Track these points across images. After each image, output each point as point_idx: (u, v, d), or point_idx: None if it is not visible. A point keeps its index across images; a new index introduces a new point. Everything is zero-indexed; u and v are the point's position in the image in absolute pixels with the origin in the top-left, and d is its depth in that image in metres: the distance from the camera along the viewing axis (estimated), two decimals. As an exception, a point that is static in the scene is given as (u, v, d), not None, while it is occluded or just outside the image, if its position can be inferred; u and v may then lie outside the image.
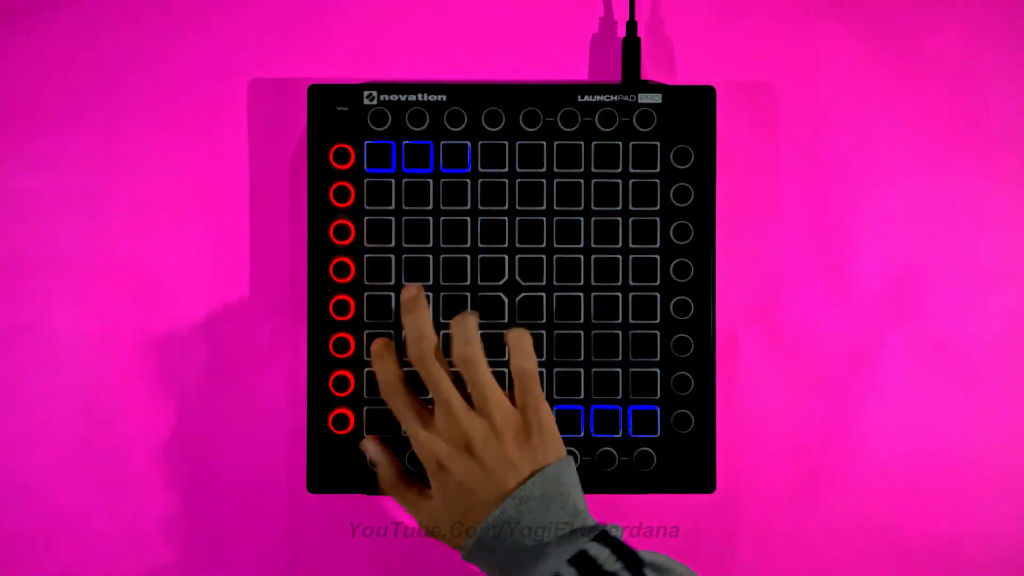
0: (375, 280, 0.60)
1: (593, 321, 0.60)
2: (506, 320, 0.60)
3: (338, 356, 0.60)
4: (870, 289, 0.64)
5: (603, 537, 0.50)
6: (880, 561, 0.64)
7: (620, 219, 0.60)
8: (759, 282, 0.64)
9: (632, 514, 0.63)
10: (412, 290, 0.55)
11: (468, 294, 0.60)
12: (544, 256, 0.60)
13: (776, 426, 0.64)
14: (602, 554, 0.49)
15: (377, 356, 0.55)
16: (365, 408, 0.60)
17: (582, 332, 0.60)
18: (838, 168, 0.64)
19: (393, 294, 0.60)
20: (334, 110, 0.60)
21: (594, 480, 0.60)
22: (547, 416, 0.53)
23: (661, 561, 0.50)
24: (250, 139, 0.63)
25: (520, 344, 0.54)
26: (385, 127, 0.60)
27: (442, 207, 0.60)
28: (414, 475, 0.57)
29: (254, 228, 0.63)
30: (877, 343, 0.64)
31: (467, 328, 0.53)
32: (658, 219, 0.60)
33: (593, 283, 0.60)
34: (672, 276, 0.60)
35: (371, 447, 0.58)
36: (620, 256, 0.60)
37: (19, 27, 0.63)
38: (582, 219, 0.60)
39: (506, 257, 0.60)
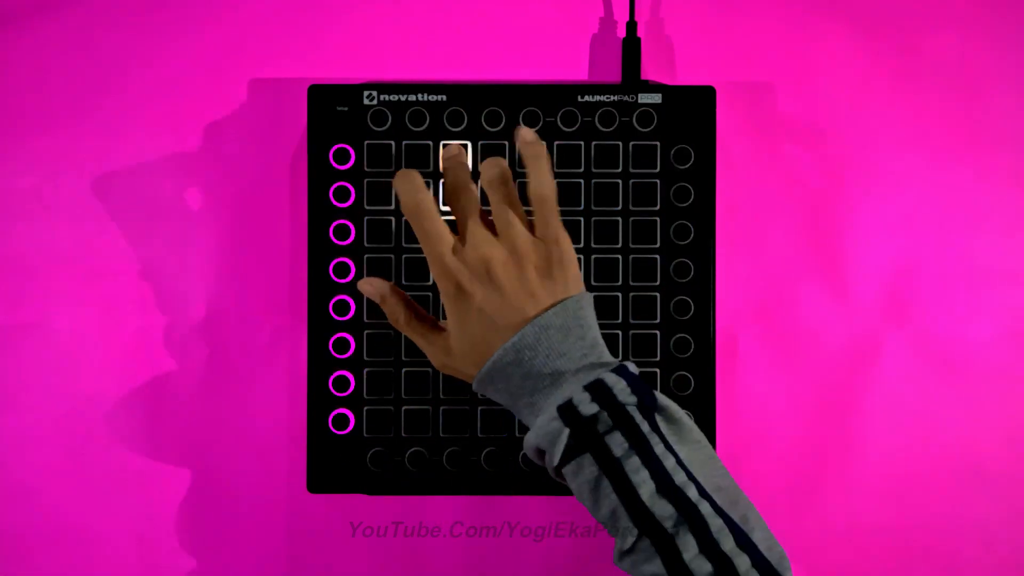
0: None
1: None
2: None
3: (338, 356, 0.60)
4: (870, 289, 0.64)
5: (621, 370, 0.49)
6: (880, 561, 0.64)
7: (620, 219, 0.60)
8: (759, 282, 0.64)
9: (632, 514, 0.63)
10: (453, 148, 0.55)
11: (468, 294, 0.60)
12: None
13: (776, 426, 0.64)
14: (618, 384, 0.48)
15: (403, 178, 0.53)
16: (365, 408, 0.60)
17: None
18: (838, 168, 0.64)
19: (393, 294, 0.60)
20: (334, 110, 0.60)
21: (594, 480, 0.60)
22: (568, 249, 0.52)
23: (674, 410, 0.50)
24: (250, 139, 0.63)
25: (536, 170, 0.53)
26: (385, 127, 0.60)
27: (442, 207, 0.60)
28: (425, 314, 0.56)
29: (254, 228, 0.63)
30: (877, 343, 0.64)
31: (497, 157, 0.53)
32: (658, 219, 0.60)
33: (593, 283, 0.60)
34: (672, 276, 0.60)
35: (371, 284, 0.56)
36: (620, 256, 0.60)
37: (19, 27, 0.63)
38: (582, 219, 0.60)
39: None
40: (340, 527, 0.63)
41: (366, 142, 0.60)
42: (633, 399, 0.48)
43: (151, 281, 0.63)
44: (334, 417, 0.60)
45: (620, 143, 0.60)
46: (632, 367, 0.50)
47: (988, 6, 0.64)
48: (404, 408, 0.60)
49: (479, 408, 0.60)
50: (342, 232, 0.60)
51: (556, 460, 0.49)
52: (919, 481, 0.64)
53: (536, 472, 0.60)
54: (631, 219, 0.60)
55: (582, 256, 0.60)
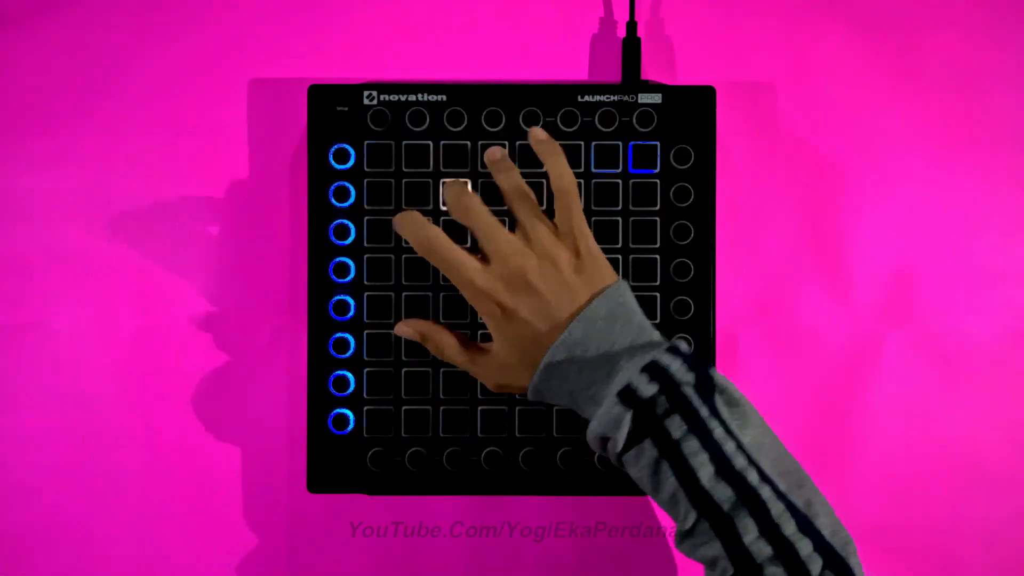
0: (375, 280, 0.60)
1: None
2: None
3: (338, 356, 0.60)
4: (870, 289, 0.64)
5: (674, 349, 0.49)
6: (879, 561, 0.64)
7: (620, 219, 0.60)
8: (759, 282, 0.64)
9: (633, 514, 0.63)
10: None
11: (468, 294, 0.60)
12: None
13: (776, 426, 0.64)
14: (674, 363, 0.48)
15: (404, 220, 0.52)
16: (365, 408, 0.60)
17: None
18: (838, 168, 0.64)
19: (393, 294, 0.60)
20: (334, 110, 0.60)
21: (595, 480, 0.60)
22: (591, 239, 0.53)
23: (732, 391, 0.49)
24: (250, 139, 0.63)
25: (557, 163, 0.53)
26: (385, 127, 0.60)
27: (442, 207, 0.60)
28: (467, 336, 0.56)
29: (254, 228, 0.63)
30: (877, 343, 0.64)
31: (504, 159, 0.53)
32: (658, 219, 0.60)
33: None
34: (672, 276, 0.60)
35: (409, 326, 0.55)
36: (620, 256, 0.60)
37: (19, 27, 0.63)
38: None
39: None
40: (340, 527, 0.63)
41: (366, 142, 0.60)
42: (691, 377, 0.48)
43: (151, 281, 0.63)
44: (334, 417, 0.60)
45: (620, 143, 0.60)
46: (684, 345, 0.50)
47: (988, 6, 0.64)
48: (404, 408, 0.60)
49: (479, 408, 0.60)
50: (342, 232, 0.60)
51: (620, 446, 0.49)
52: (919, 481, 0.64)
53: (536, 472, 0.60)
54: (631, 219, 0.60)
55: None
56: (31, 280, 0.63)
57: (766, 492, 0.47)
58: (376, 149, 0.60)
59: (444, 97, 0.60)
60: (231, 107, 0.63)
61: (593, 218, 0.60)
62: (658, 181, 0.60)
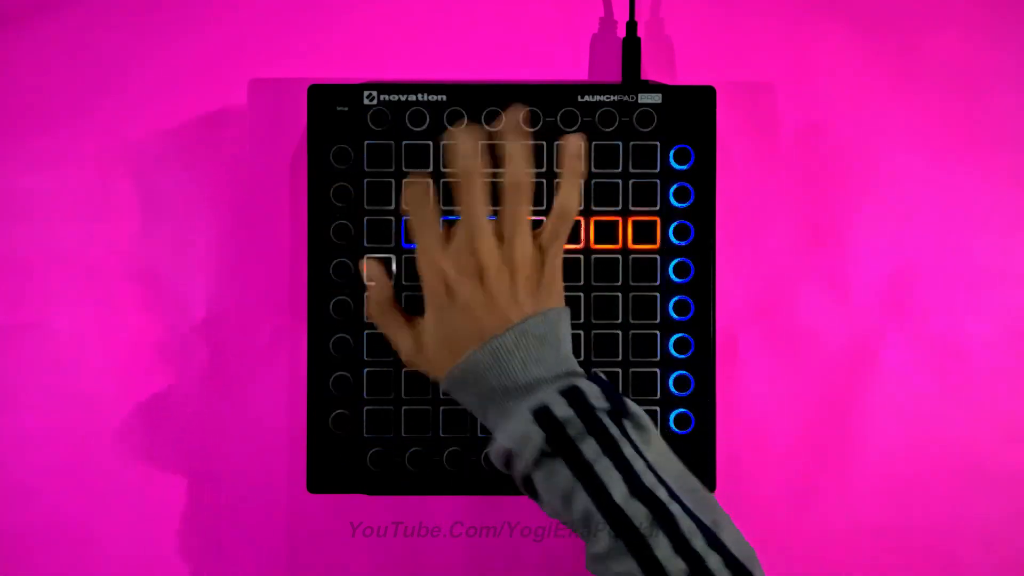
0: (375, 280, 0.60)
1: (593, 321, 0.60)
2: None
3: (338, 356, 0.60)
4: (870, 289, 0.64)
5: (595, 377, 0.51)
6: (880, 561, 0.64)
7: (620, 219, 0.60)
8: (759, 282, 0.64)
9: (632, 514, 0.63)
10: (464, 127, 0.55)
11: (468, 294, 0.60)
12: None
13: (776, 426, 0.64)
14: (592, 390, 0.50)
15: (409, 182, 0.54)
16: (365, 408, 0.60)
17: (582, 332, 0.60)
18: (838, 168, 0.64)
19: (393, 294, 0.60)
20: (334, 110, 0.60)
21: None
22: (560, 266, 0.54)
23: (640, 415, 0.51)
24: (250, 139, 0.63)
25: (572, 185, 0.54)
26: (385, 127, 0.60)
27: (442, 207, 0.60)
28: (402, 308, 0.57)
29: (254, 228, 0.63)
30: (877, 343, 0.64)
31: (523, 152, 0.53)
32: (658, 219, 0.60)
33: (593, 283, 0.60)
34: (672, 276, 0.60)
35: (374, 265, 0.57)
36: (620, 256, 0.60)
37: (20, 27, 0.63)
38: (582, 219, 0.60)
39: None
40: (340, 527, 0.63)
41: (366, 142, 0.60)
42: (606, 405, 0.49)
43: (151, 281, 0.63)
44: (334, 417, 0.60)
45: (620, 143, 0.60)
46: (603, 375, 0.52)
47: (988, 6, 0.64)
48: (404, 408, 0.60)
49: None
50: (342, 232, 0.60)
51: (528, 463, 0.49)
52: (919, 481, 0.64)
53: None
54: (631, 219, 0.60)
55: (581, 256, 0.60)
56: (31, 280, 0.63)
57: (676, 508, 0.48)
58: (376, 149, 0.60)
59: (444, 97, 0.60)
60: (231, 107, 0.63)
61: (593, 218, 0.60)
62: (658, 181, 0.60)
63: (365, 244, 0.60)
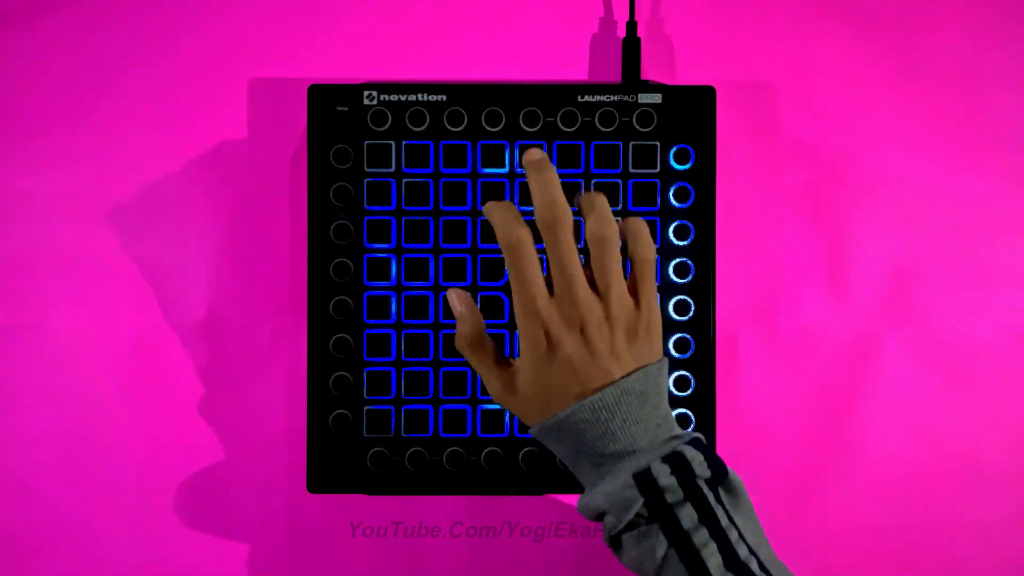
0: (375, 280, 0.60)
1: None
2: (506, 320, 0.60)
3: (338, 356, 0.60)
4: (870, 289, 0.64)
5: (697, 443, 0.50)
6: (880, 561, 0.64)
7: (620, 219, 0.60)
8: (759, 282, 0.64)
9: (632, 514, 0.63)
10: (537, 153, 0.52)
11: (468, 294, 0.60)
12: (544, 256, 0.60)
13: (776, 426, 0.64)
14: (696, 459, 0.49)
15: (500, 209, 0.51)
16: (365, 408, 0.60)
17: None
18: (838, 168, 0.64)
19: (393, 294, 0.60)
20: (334, 110, 0.60)
21: (594, 480, 0.60)
22: (657, 313, 0.53)
23: (732, 478, 0.50)
24: (250, 139, 0.63)
25: (641, 232, 0.53)
26: (385, 127, 0.60)
27: (442, 207, 0.60)
28: (495, 339, 0.55)
29: (254, 228, 0.63)
30: (877, 343, 0.64)
31: (603, 207, 0.52)
32: (658, 219, 0.60)
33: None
34: (672, 276, 0.60)
35: (460, 299, 0.54)
36: (620, 256, 0.60)
37: (19, 27, 0.63)
38: (582, 219, 0.60)
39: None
40: (340, 527, 0.63)
41: (366, 142, 0.60)
42: (707, 473, 0.49)
43: (151, 281, 0.63)
44: (334, 417, 0.60)
45: (620, 143, 0.60)
46: (703, 438, 0.51)
47: (989, 6, 0.64)
48: (404, 408, 0.60)
49: (479, 408, 0.60)
50: (342, 232, 0.60)
51: (621, 526, 0.49)
52: (919, 481, 0.64)
53: (536, 472, 0.60)
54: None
55: (582, 256, 0.60)
56: (31, 280, 0.63)
57: None
58: (376, 149, 0.60)
59: (444, 97, 0.60)
60: (231, 107, 0.63)
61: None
62: (658, 181, 0.60)
63: (365, 244, 0.60)
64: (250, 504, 0.63)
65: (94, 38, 0.63)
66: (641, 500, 0.48)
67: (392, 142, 0.60)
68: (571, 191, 0.60)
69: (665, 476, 0.48)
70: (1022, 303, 0.64)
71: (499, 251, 0.60)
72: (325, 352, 0.60)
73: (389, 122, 0.60)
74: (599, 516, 0.50)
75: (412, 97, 0.60)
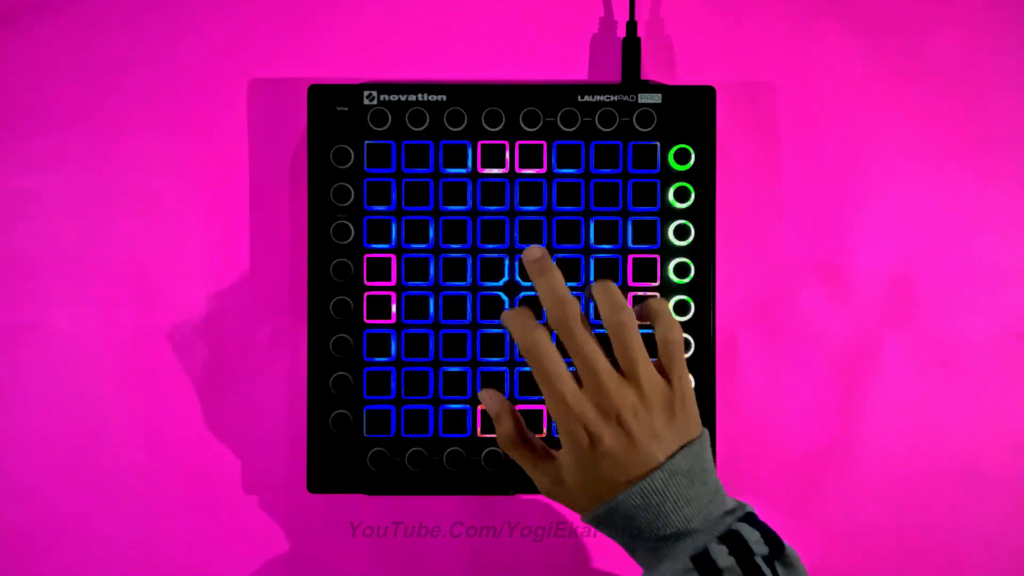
0: (375, 280, 0.60)
1: (593, 321, 0.60)
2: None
3: (338, 356, 0.60)
4: (870, 289, 0.64)
5: (751, 519, 0.50)
6: (880, 561, 0.64)
7: (620, 219, 0.60)
8: (759, 282, 0.64)
9: (632, 514, 0.63)
10: (536, 251, 0.52)
11: (468, 294, 0.60)
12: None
13: (776, 426, 0.64)
14: (752, 536, 0.49)
15: (515, 317, 0.51)
16: (365, 408, 0.60)
17: (582, 332, 0.60)
18: (838, 168, 0.64)
19: (393, 294, 0.60)
20: (334, 110, 0.60)
21: (594, 480, 0.60)
22: (690, 388, 0.52)
23: (792, 556, 0.50)
24: (250, 139, 0.63)
25: (664, 313, 0.52)
26: (385, 127, 0.60)
27: (442, 207, 0.60)
28: (533, 434, 0.54)
29: (254, 228, 0.63)
30: (877, 343, 0.64)
31: (614, 294, 0.51)
32: (658, 219, 0.60)
33: (593, 283, 0.60)
34: (672, 276, 0.60)
35: (492, 399, 0.54)
36: (620, 256, 0.60)
37: (19, 27, 0.63)
38: (582, 219, 0.60)
39: (506, 257, 0.60)
40: (340, 527, 0.63)
41: (366, 142, 0.60)
42: (765, 550, 0.48)
43: (151, 281, 0.63)
44: (334, 417, 0.60)
45: (620, 143, 0.60)
46: (753, 512, 0.51)
47: (989, 6, 0.64)
48: (404, 408, 0.60)
49: (479, 408, 0.60)
50: (342, 232, 0.60)
51: None
52: (919, 481, 0.64)
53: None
54: (631, 219, 0.60)
55: (582, 256, 0.60)
56: (31, 280, 0.63)
57: None
58: (376, 149, 0.60)
59: (444, 97, 0.60)
60: (231, 107, 0.63)
61: (593, 218, 0.60)
62: (658, 181, 0.60)
63: (365, 244, 0.60)
64: (250, 504, 0.63)
65: (94, 38, 0.63)
66: None
67: (392, 142, 0.60)
68: (572, 190, 0.60)
69: (723, 557, 0.48)
70: (1022, 303, 0.64)
71: (499, 251, 0.60)
72: (325, 352, 0.60)
73: (389, 122, 0.60)
74: None
75: (412, 97, 0.60)
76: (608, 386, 0.50)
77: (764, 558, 0.48)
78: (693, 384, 0.53)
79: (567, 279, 0.60)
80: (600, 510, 0.50)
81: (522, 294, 0.60)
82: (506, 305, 0.60)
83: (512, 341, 0.59)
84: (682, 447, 0.50)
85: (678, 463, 0.50)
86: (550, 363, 0.50)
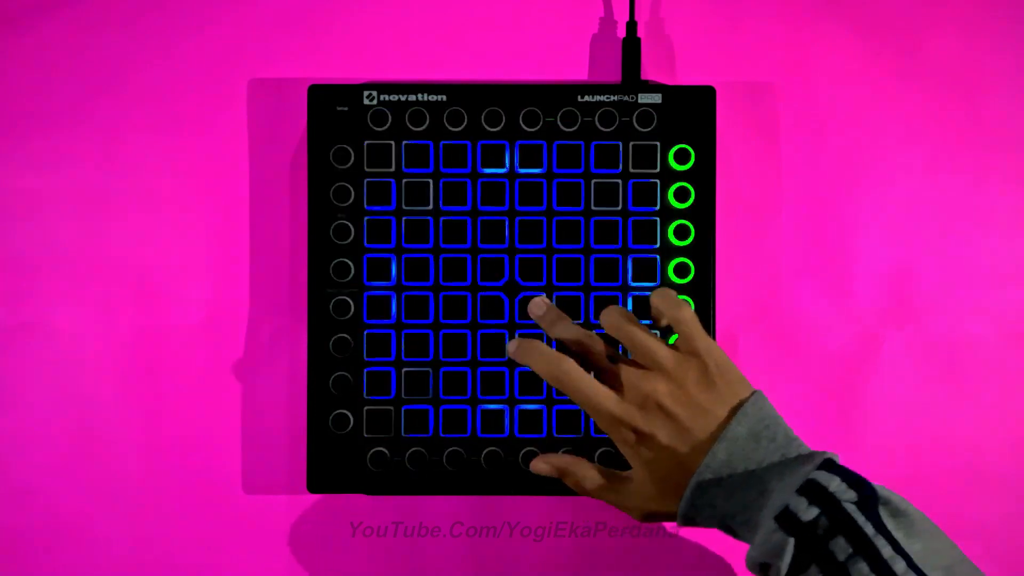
0: (375, 280, 0.60)
1: (593, 321, 0.60)
2: (506, 320, 0.60)
3: (338, 356, 0.60)
4: (870, 289, 0.64)
5: (830, 465, 0.47)
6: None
7: (620, 219, 0.60)
8: (759, 282, 0.64)
9: (632, 514, 0.63)
10: (540, 304, 0.55)
11: (468, 294, 0.60)
12: (544, 256, 0.60)
13: (776, 426, 0.64)
14: (832, 482, 0.46)
15: (528, 350, 0.52)
16: (365, 408, 0.60)
17: (582, 332, 0.60)
18: (838, 168, 0.64)
19: (393, 294, 0.60)
20: (334, 110, 0.60)
21: (594, 480, 0.60)
22: (721, 355, 0.51)
23: (896, 501, 0.46)
24: (250, 139, 0.63)
25: (667, 298, 0.53)
26: (385, 127, 0.60)
27: (442, 207, 0.60)
28: (606, 468, 0.55)
29: (254, 228, 0.63)
30: (877, 343, 0.64)
31: (615, 316, 0.52)
32: (658, 219, 0.60)
33: (593, 283, 0.60)
34: (672, 276, 0.60)
35: (546, 463, 0.54)
36: (620, 256, 0.60)
37: (19, 27, 0.63)
38: (582, 219, 0.60)
39: (506, 257, 0.60)
40: (340, 527, 0.63)
41: (366, 142, 0.60)
42: (852, 494, 0.46)
43: (151, 281, 0.63)
44: (334, 417, 0.60)
45: (620, 143, 0.60)
46: (837, 458, 0.48)
47: (988, 6, 0.64)
48: (404, 408, 0.60)
49: (479, 408, 0.60)
50: (342, 232, 0.60)
51: (783, 573, 0.46)
52: (919, 481, 0.64)
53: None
54: (631, 219, 0.60)
55: (582, 256, 0.60)
56: (31, 280, 0.63)
57: None
58: (376, 149, 0.60)
59: (444, 97, 0.60)
60: (231, 107, 0.63)
61: (593, 218, 0.60)
62: (658, 181, 0.60)
63: (365, 244, 0.60)
64: (250, 504, 0.63)
65: (95, 39, 0.63)
66: (791, 541, 0.45)
67: (392, 142, 0.60)
68: (572, 190, 0.60)
69: (804, 510, 0.45)
70: (1022, 303, 0.64)
71: (499, 251, 0.60)
72: (325, 352, 0.60)
73: (389, 122, 0.60)
74: (765, 569, 0.48)
75: (412, 97, 0.60)
76: (637, 379, 0.50)
77: (857, 505, 0.45)
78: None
79: (568, 279, 0.60)
80: (683, 506, 0.50)
81: (522, 294, 0.60)
82: (506, 305, 0.60)
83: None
84: (734, 411, 0.49)
85: (734, 428, 0.49)
86: (584, 385, 0.51)
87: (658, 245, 0.60)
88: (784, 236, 0.64)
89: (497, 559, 0.63)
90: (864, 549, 0.44)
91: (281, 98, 0.63)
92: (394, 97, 0.60)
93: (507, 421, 0.60)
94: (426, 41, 0.64)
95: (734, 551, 0.63)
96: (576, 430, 0.60)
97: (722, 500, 0.49)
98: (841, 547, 0.45)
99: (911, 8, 0.64)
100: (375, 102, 0.60)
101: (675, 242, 0.60)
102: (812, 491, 0.46)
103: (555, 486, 0.60)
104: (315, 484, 0.60)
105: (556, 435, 0.60)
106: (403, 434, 0.60)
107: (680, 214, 0.60)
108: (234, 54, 0.63)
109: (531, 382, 0.60)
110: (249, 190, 0.63)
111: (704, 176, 0.60)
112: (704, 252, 0.60)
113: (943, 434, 0.64)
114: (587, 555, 0.63)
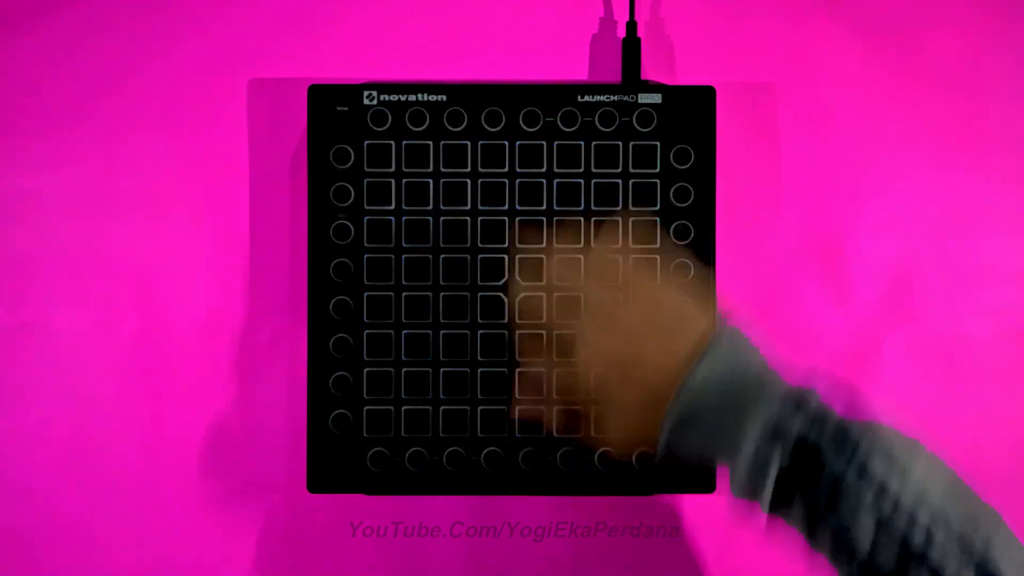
0: (375, 280, 0.60)
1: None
2: (506, 320, 0.60)
3: (338, 356, 0.60)
4: (870, 289, 0.64)
5: (808, 388, 0.48)
6: (880, 561, 0.63)
7: (620, 219, 0.60)
8: (759, 282, 0.64)
9: (632, 514, 0.63)
10: None
11: (468, 294, 0.60)
12: (544, 256, 0.60)
13: (776, 426, 0.64)
14: (813, 397, 0.48)
15: None
16: (365, 408, 0.60)
17: (582, 332, 0.60)
18: (838, 168, 0.64)
19: (393, 294, 0.60)
20: (334, 110, 0.60)
21: (595, 480, 0.60)
22: (656, 301, 0.53)
23: (887, 427, 0.48)
24: (250, 139, 0.63)
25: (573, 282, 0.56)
26: (385, 127, 0.60)
27: (442, 207, 0.60)
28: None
29: (254, 228, 0.63)
30: (877, 343, 0.64)
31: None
32: (658, 219, 0.60)
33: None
34: (672, 276, 0.60)
35: None
36: (620, 256, 0.60)
37: (19, 28, 0.63)
38: (582, 219, 0.60)
39: (506, 257, 0.60)
40: (340, 527, 0.63)
41: (366, 142, 0.60)
42: (834, 416, 0.48)
43: (151, 281, 0.63)
44: (334, 417, 0.60)
45: (620, 143, 0.60)
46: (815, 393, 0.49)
47: (989, 6, 0.64)
48: (404, 408, 0.60)
49: (479, 408, 0.60)
50: (342, 232, 0.60)
51: (771, 486, 0.47)
52: (919, 481, 0.63)
53: (536, 472, 0.60)
54: (631, 219, 0.60)
55: (581, 256, 0.60)
56: (31, 280, 0.63)
57: (935, 552, 0.45)
58: (376, 149, 0.60)
59: (444, 97, 0.60)
60: (231, 107, 0.63)
61: (593, 218, 0.60)
62: (658, 181, 0.60)
63: (365, 244, 0.60)
64: (250, 504, 0.63)
65: (94, 39, 0.63)
66: (778, 450, 0.47)
67: (392, 142, 0.60)
68: (572, 190, 0.60)
69: (791, 416, 0.47)
70: (1022, 303, 0.64)
71: (499, 251, 0.60)
72: (325, 352, 0.60)
73: (389, 122, 0.60)
74: (751, 487, 0.48)
75: (412, 97, 0.60)
76: (583, 383, 0.53)
77: (833, 439, 0.46)
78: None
79: (567, 278, 0.60)
80: (659, 450, 0.50)
81: (522, 294, 0.60)
82: (506, 304, 0.60)
83: (513, 342, 0.59)
84: (698, 364, 0.49)
85: (695, 383, 0.48)
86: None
87: (658, 245, 0.60)
88: (784, 236, 0.64)
89: (497, 559, 0.63)
90: (857, 468, 0.46)
91: (281, 98, 0.63)
92: (394, 97, 0.60)
93: (507, 421, 0.60)
94: (426, 41, 0.64)
95: (734, 551, 0.63)
96: (576, 430, 0.60)
97: (697, 444, 0.49)
98: (832, 460, 0.46)
99: (911, 8, 0.64)
100: (375, 102, 0.60)
101: (675, 242, 0.60)
102: (798, 401, 0.48)
103: (555, 486, 0.60)
104: (315, 484, 0.60)
105: (556, 434, 0.60)
106: (403, 434, 0.60)
107: (680, 214, 0.60)
108: (234, 54, 0.63)
109: (531, 383, 0.60)
110: (249, 190, 0.63)
111: (704, 176, 0.60)
112: (704, 252, 0.60)
113: (943, 434, 0.64)
114: (587, 555, 0.63)
